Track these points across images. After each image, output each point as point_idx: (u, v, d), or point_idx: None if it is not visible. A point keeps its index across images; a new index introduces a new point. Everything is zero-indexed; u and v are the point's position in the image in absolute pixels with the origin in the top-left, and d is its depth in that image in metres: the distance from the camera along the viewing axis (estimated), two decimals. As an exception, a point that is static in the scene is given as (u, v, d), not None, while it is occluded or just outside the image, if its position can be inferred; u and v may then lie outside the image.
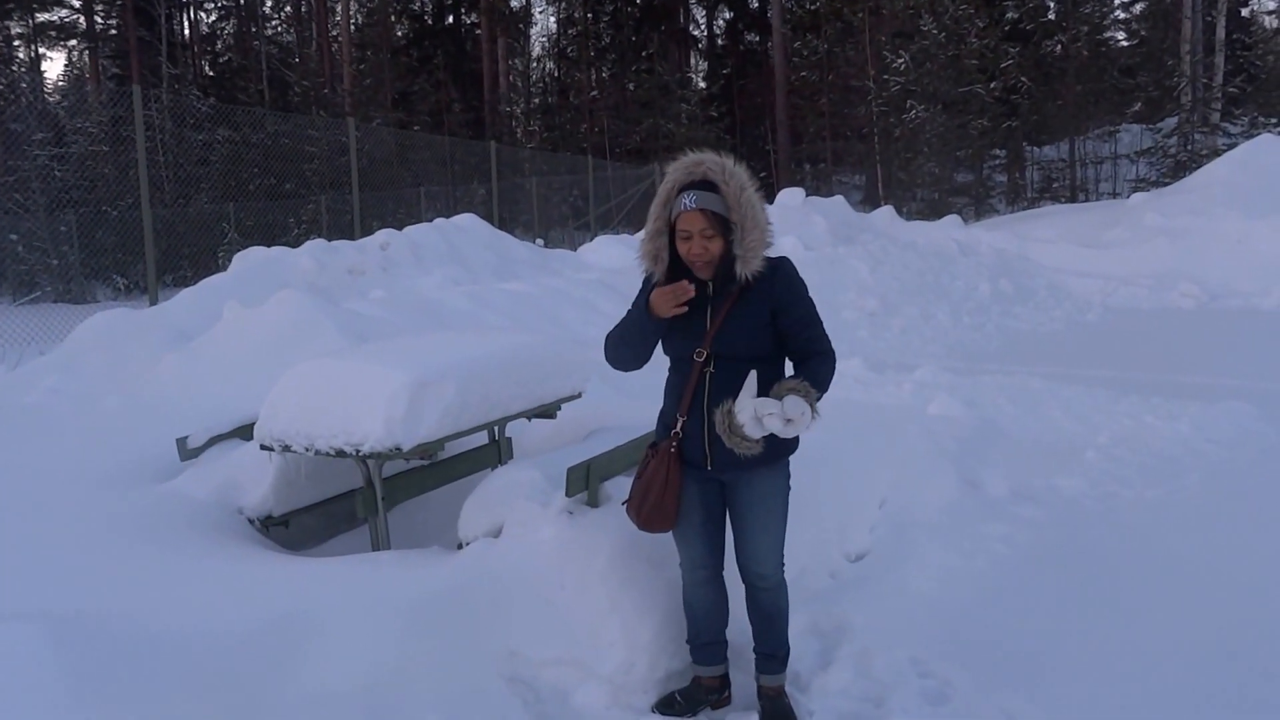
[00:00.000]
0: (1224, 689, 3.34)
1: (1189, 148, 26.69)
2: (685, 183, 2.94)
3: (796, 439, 3.08)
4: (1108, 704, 3.25)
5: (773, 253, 3.01)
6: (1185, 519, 4.97)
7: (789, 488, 3.15)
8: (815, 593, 4.08)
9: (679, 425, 3.03)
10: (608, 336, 3.15)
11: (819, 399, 2.88)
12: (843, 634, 3.70)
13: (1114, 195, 27.13)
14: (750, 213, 2.91)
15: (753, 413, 2.79)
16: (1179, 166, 25.37)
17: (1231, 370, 8.68)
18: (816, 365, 2.97)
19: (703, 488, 3.12)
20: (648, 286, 3.05)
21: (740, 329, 2.95)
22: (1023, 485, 5.37)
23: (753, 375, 2.86)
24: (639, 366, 3.14)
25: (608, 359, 3.17)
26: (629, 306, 3.11)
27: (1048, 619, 3.89)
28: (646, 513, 3.08)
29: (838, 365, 3.10)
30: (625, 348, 3.08)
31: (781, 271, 3.01)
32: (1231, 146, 20.46)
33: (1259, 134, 20.66)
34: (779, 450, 3.05)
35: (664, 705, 3.25)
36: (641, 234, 3.10)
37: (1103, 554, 4.55)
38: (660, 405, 3.20)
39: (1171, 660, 3.53)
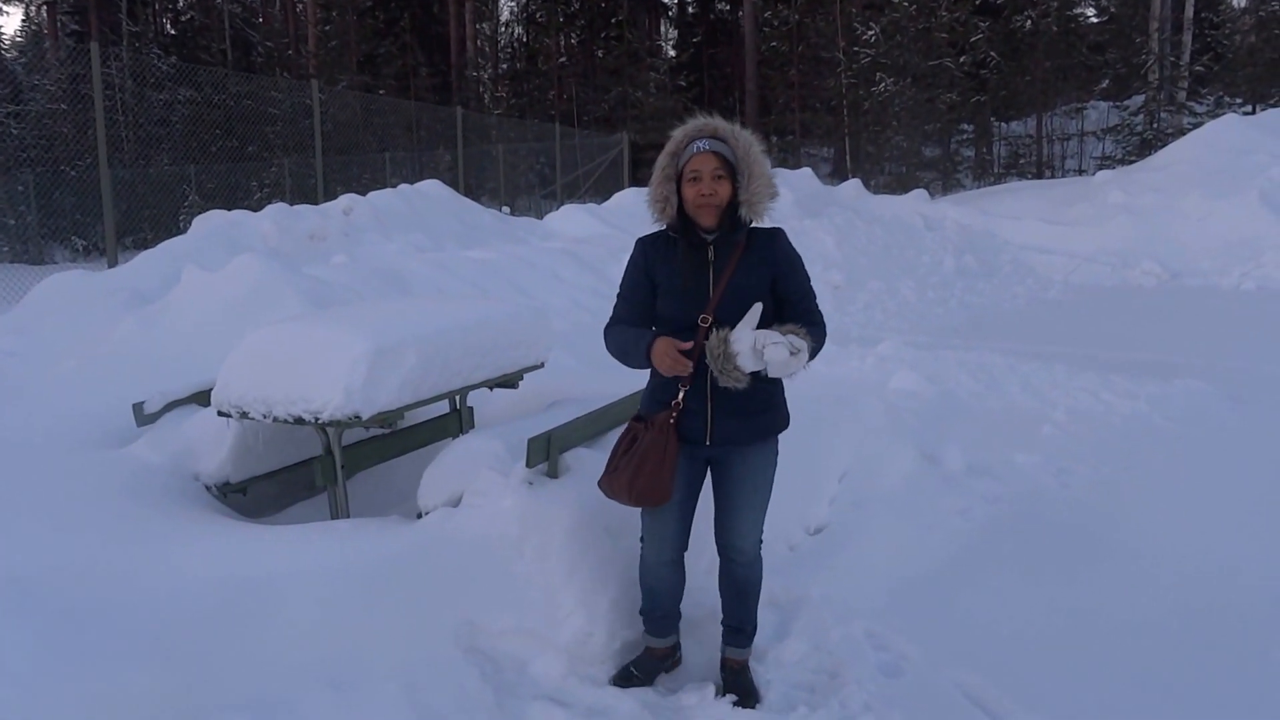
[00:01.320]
0: (1173, 661, 3.41)
1: (1155, 126, 26.91)
2: (695, 136, 2.98)
3: (788, 416, 3.14)
4: (1060, 677, 3.32)
5: (768, 222, 3.04)
6: (1139, 495, 5.06)
7: (777, 465, 3.16)
8: (774, 565, 4.09)
9: (680, 396, 2.98)
10: (608, 334, 3.10)
11: (810, 358, 2.88)
12: (800, 606, 3.73)
13: (1080, 172, 27.36)
14: (757, 164, 2.97)
15: (751, 344, 2.79)
16: (1145, 144, 25.58)
17: (1189, 349, 8.81)
18: (816, 333, 3.00)
19: (691, 465, 3.09)
20: (636, 265, 3.05)
21: (743, 293, 2.94)
22: (980, 460, 5.43)
23: (757, 307, 2.87)
24: None
25: (608, 349, 3.13)
26: (602, 279, 3.08)
27: (1002, 593, 3.95)
28: (641, 487, 2.98)
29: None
30: (620, 358, 3.07)
31: (781, 238, 3.07)
32: (1197, 125, 20.65)
33: (1224, 113, 20.88)
34: (773, 425, 3.08)
35: (622, 679, 3.26)
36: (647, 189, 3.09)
37: (1057, 529, 4.62)
38: (638, 375, 3.14)
39: (1122, 633, 3.61)
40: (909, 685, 3.24)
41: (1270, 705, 3.14)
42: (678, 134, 3.01)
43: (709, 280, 2.96)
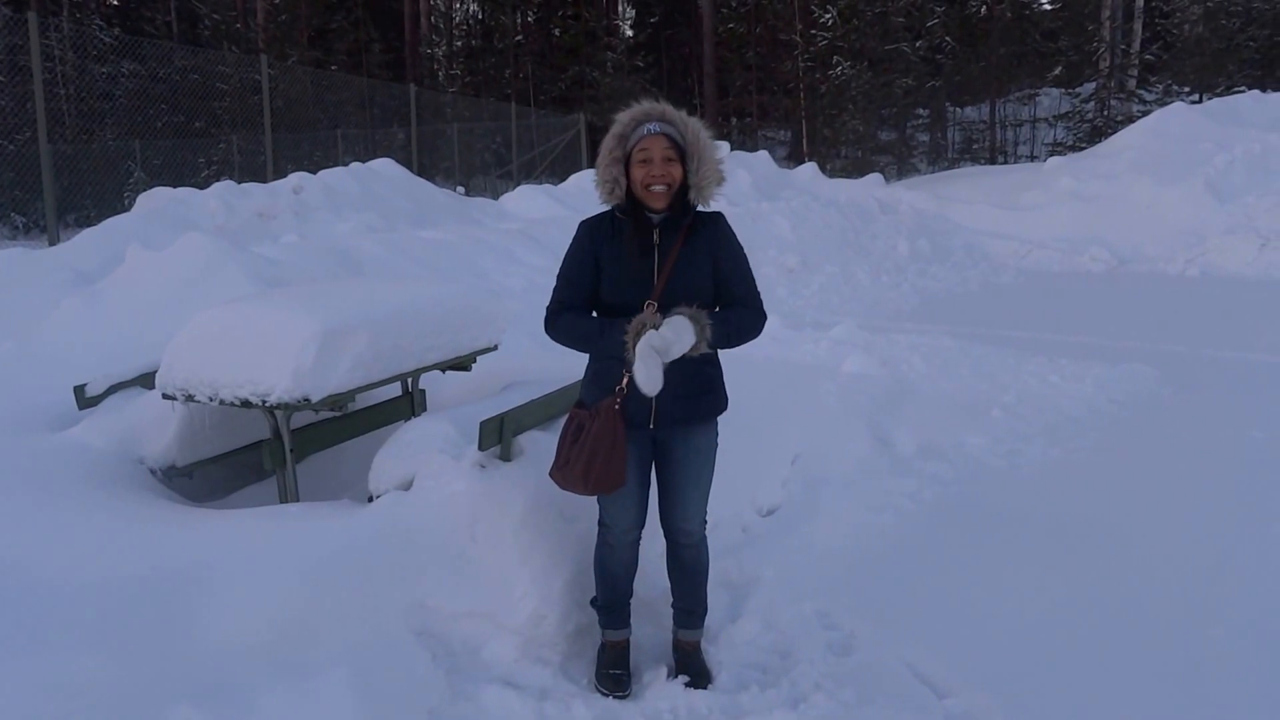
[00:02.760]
0: (1118, 638, 3.48)
1: (1105, 113, 27.30)
2: (643, 120, 2.96)
3: (726, 398, 3.14)
4: (1006, 654, 3.37)
5: (712, 206, 3.05)
6: (1084, 476, 5.16)
7: (718, 446, 3.17)
8: (727, 546, 4.13)
9: (624, 382, 2.95)
10: (556, 321, 3.02)
11: (716, 339, 2.87)
12: (752, 587, 3.76)
13: (1032, 158, 27.69)
14: (706, 149, 2.97)
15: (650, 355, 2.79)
16: (1095, 132, 25.94)
17: (1135, 333, 8.99)
18: (740, 312, 3.00)
19: (639, 449, 3.08)
20: (580, 247, 3.01)
21: (688, 277, 2.95)
22: (931, 442, 5.50)
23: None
24: None
25: (552, 337, 3.07)
26: (557, 261, 3.05)
27: (951, 573, 4.01)
28: (597, 475, 2.95)
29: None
30: (578, 346, 3.02)
31: (722, 222, 3.08)
32: (1146, 113, 20.95)
33: (1172, 102, 21.20)
34: (714, 407, 3.09)
35: (611, 684, 3.18)
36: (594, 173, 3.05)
37: (1005, 510, 4.70)
38: (584, 360, 3.13)
39: (1067, 611, 3.67)
40: (859, 663, 3.28)
41: (1204, 680, 3.22)
42: (624, 117, 2.98)
43: (654, 263, 2.95)
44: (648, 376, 2.77)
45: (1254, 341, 8.54)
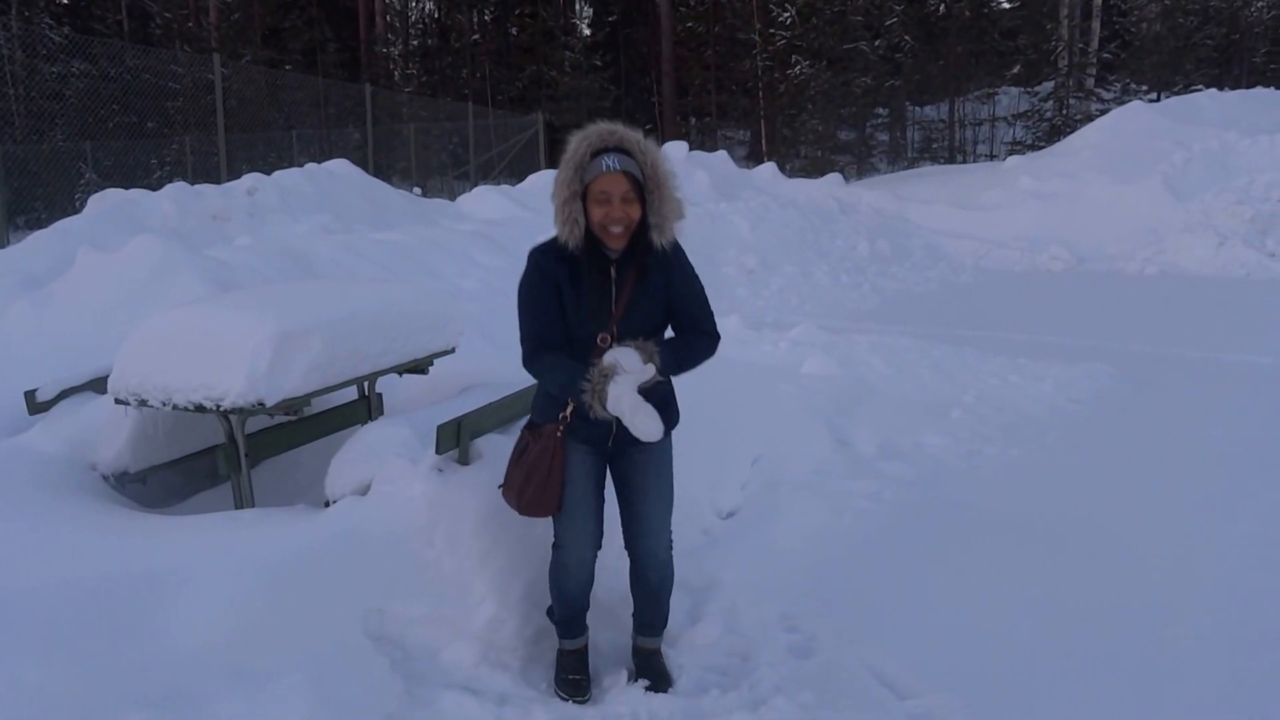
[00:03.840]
0: (1078, 637, 3.51)
1: (1064, 112, 27.66)
2: (599, 148, 2.85)
3: (679, 412, 3.13)
4: (967, 655, 3.38)
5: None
6: (1045, 476, 5.19)
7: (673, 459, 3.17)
8: (687, 549, 4.11)
9: (568, 410, 2.93)
10: (537, 364, 2.95)
11: (666, 368, 2.88)
12: (713, 590, 3.75)
13: (991, 157, 27.98)
14: (666, 184, 2.87)
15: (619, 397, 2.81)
16: (1054, 130, 26.28)
17: (1094, 332, 9.10)
18: (693, 339, 3.00)
19: (596, 470, 3.06)
20: (543, 278, 2.92)
21: (644, 310, 2.92)
22: (891, 443, 5.52)
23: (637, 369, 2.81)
24: None
25: (534, 375, 3.02)
26: (515, 261, 3.00)
27: (910, 574, 4.02)
28: (529, 498, 2.96)
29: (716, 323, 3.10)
30: (556, 391, 2.97)
31: (678, 252, 3.00)
32: (1104, 112, 21.25)
33: (1130, 100, 21.51)
34: (668, 422, 3.06)
35: (571, 689, 3.16)
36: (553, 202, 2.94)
37: (965, 510, 4.72)
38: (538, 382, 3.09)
39: (1027, 611, 3.69)
40: (819, 666, 3.28)
41: (1164, 678, 3.25)
42: (579, 144, 2.86)
43: (611, 298, 2.90)
44: (646, 425, 2.77)
45: (1211, 340, 8.66)
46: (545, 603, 3.38)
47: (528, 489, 2.97)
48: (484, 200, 12.37)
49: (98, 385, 4.48)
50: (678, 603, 3.59)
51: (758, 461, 4.96)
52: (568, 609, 3.20)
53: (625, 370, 2.79)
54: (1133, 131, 16.91)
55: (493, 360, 5.40)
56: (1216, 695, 3.15)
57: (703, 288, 3.07)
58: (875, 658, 3.33)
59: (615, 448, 3.02)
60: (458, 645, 3.26)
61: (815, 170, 23.82)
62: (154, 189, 9.62)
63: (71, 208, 13.89)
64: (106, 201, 8.92)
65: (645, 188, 2.86)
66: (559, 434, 2.94)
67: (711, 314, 3.07)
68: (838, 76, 27.35)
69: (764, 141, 31.06)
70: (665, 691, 3.15)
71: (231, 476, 3.97)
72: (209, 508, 4.20)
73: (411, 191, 14.11)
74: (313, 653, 3.01)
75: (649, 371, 2.80)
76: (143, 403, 3.80)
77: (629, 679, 3.22)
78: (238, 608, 3.01)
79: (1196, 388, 7.02)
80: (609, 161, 2.82)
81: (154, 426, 4.21)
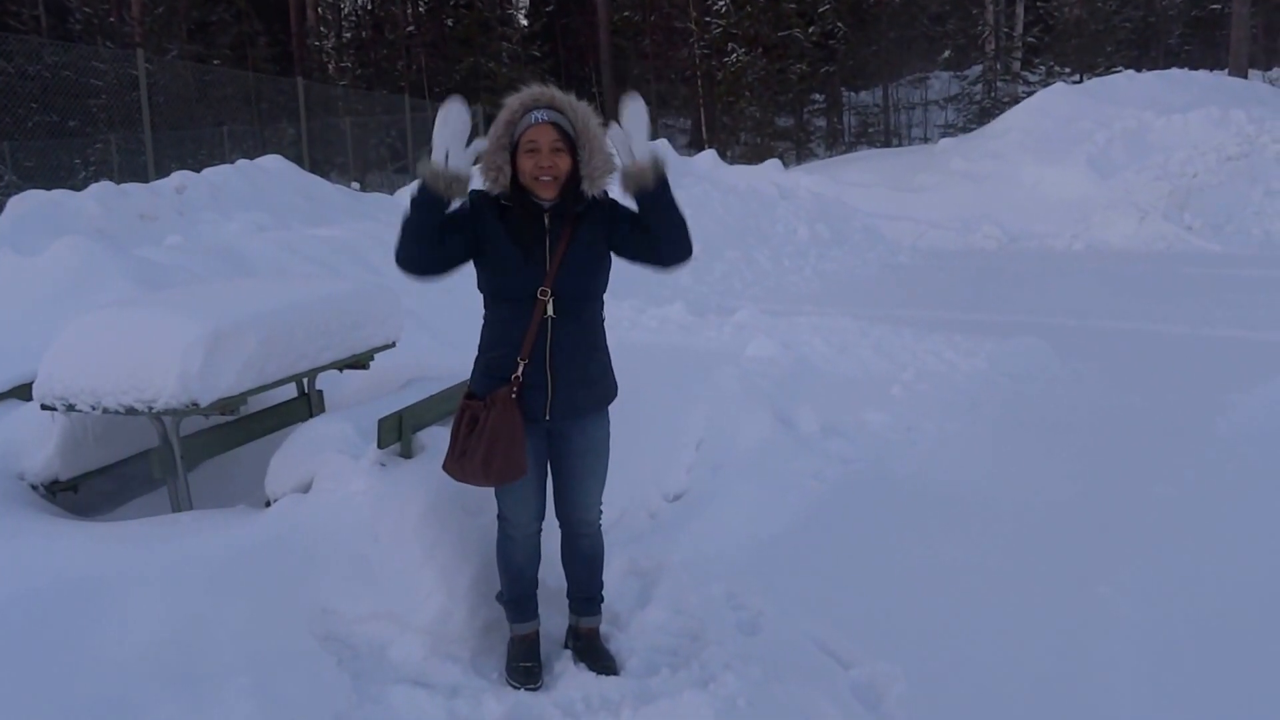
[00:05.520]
0: (1011, 601, 3.61)
1: (992, 95, 28.18)
2: (531, 107, 2.89)
3: (617, 386, 3.14)
4: (909, 624, 3.45)
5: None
6: (980, 448, 5.34)
7: (609, 434, 3.17)
8: (634, 534, 4.14)
9: (519, 370, 2.91)
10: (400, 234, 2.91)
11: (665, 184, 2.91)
12: (660, 573, 3.77)
13: (925, 140, 28.38)
14: (596, 138, 2.90)
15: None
16: (984, 113, 26.76)
17: (1026, 308, 9.32)
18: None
19: (535, 441, 3.04)
20: (470, 203, 2.93)
21: (582, 262, 2.90)
22: (833, 421, 5.59)
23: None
24: (435, 268, 2.94)
25: (397, 259, 2.92)
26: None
27: (854, 548, 4.10)
28: (499, 467, 2.90)
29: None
30: (414, 243, 2.89)
31: (615, 202, 3.01)
32: (1030, 94, 21.67)
33: (1054, 82, 21.94)
34: (606, 395, 3.09)
35: (522, 676, 3.14)
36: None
37: (905, 484, 4.82)
38: (476, 350, 3.08)
39: (964, 579, 3.79)
40: (766, 641, 3.32)
41: (1094, 635, 3.35)
42: (512, 102, 2.90)
43: (545, 250, 2.90)
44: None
45: (1134, 311, 8.96)
46: (492, 592, 3.37)
47: (495, 458, 2.89)
48: (422, 193, 12.22)
49: (22, 392, 4.35)
50: (626, 586, 3.61)
51: (702, 444, 4.99)
52: (517, 587, 3.20)
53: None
54: (1057, 112, 17.27)
55: (434, 354, 5.35)
56: (1142, 648, 3.27)
57: None
58: (820, 630, 3.38)
59: (552, 421, 3.01)
60: (406, 639, 3.24)
61: (755, 157, 23.96)
62: (78, 190, 9.35)
63: (-9, 211, 13.46)
64: (27, 203, 8.64)
65: (576, 142, 2.88)
66: (513, 396, 2.91)
67: None
68: (773, 64, 27.53)
69: (704, 129, 31.16)
70: (614, 673, 3.16)
71: (167, 480, 3.89)
72: (146, 513, 4.11)
73: (350, 187, 13.92)
74: (258, 655, 2.97)
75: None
76: (70, 407, 3.70)
77: (576, 662, 3.23)
78: (178, 612, 2.96)
79: (1120, 358, 7.27)
80: (538, 114, 2.86)
81: (84, 432, 4.10)
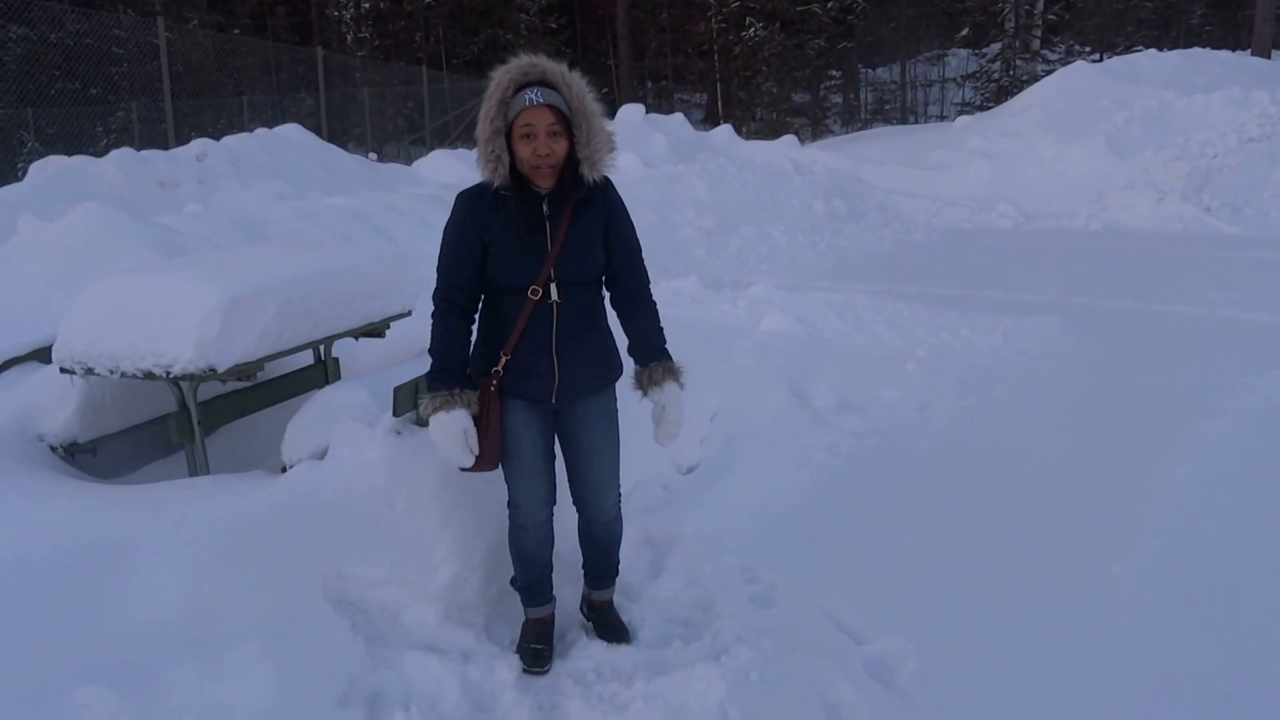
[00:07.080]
0: (1025, 579, 3.60)
1: (1011, 73, 27.90)
2: (522, 82, 2.76)
3: (621, 364, 3.11)
4: (921, 600, 3.45)
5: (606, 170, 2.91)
6: (994, 425, 5.31)
7: (618, 411, 3.14)
8: (648, 505, 4.15)
9: (501, 363, 2.86)
10: (437, 322, 2.95)
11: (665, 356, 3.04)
12: (674, 544, 3.78)
13: (942, 118, 28.17)
14: (594, 117, 2.78)
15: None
16: (1002, 91, 26.52)
17: (1041, 286, 9.26)
18: (650, 323, 3.04)
19: (543, 425, 3.00)
20: (463, 225, 2.88)
21: (580, 251, 2.84)
22: (847, 397, 5.58)
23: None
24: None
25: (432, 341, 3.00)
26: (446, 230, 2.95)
27: (867, 522, 4.09)
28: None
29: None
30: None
31: (611, 189, 2.94)
32: (1050, 73, 21.45)
33: (1074, 61, 21.71)
34: (612, 374, 3.05)
35: (531, 659, 3.11)
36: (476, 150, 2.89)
37: (919, 460, 4.81)
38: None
39: (978, 555, 3.78)
40: (779, 614, 3.32)
41: (1107, 616, 3.35)
42: (501, 78, 2.75)
43: (546, 238, 2.81)
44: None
45: (1150, 292, 8.89)
46: (507, 560, 3.37)
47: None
48: (440, 164, 12.25)
49: (42, 355, 4.39)
50: (640, 557, 3.62)
51: (716, 417, 4.99)
52: (530, 572, 3.17)
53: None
54: (1076, 91, 17.10)
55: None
56: (1156, 630, 3.27)
57: (635, 230, 3.02)
58: (833, 604, 3.39)
59: (559, 403, 2.97)
60: (420, 606, 3.26)
61: (771, 132, 23.82)
62: (99, 156, 9.38)
63: (12, 176, 13.52)
64: (49, 169, 8.70)
65: (573, 121, 2.76)
66: (492, 388, 2.89)
67: (643, 261, 3.04)
68: (791, 39, 27.33)
69: (720, 104, 31.00)
70: (626, 641, 3.17)
71: (185, 445, 3.92)
72: (163, 477, 4.13)
73: (367, 157, 13.91)
74: (272, 619, 2.98)
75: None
76: (89, 371, 3.72)
77: (587, 634, 3.24)
78: (193, 577, 2.98)
79: (1136, 338, 7.22)
80: (532, 95, 2.71)
81: (103, 396, 4.12)
